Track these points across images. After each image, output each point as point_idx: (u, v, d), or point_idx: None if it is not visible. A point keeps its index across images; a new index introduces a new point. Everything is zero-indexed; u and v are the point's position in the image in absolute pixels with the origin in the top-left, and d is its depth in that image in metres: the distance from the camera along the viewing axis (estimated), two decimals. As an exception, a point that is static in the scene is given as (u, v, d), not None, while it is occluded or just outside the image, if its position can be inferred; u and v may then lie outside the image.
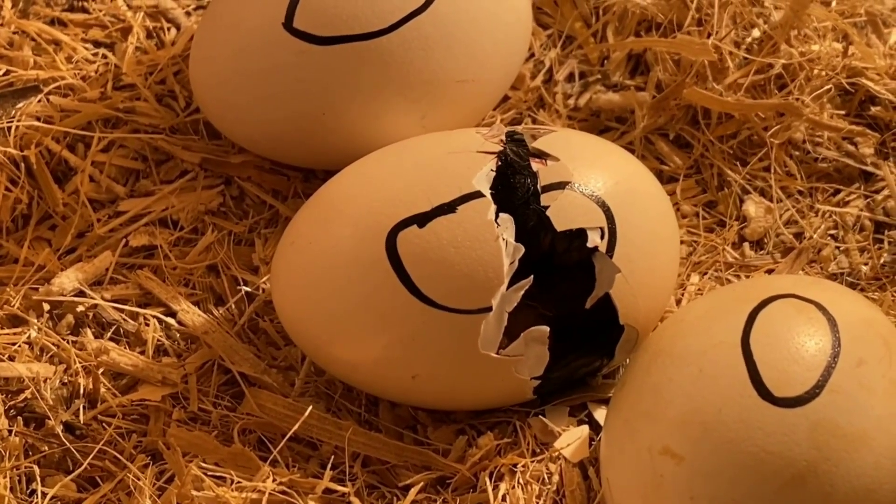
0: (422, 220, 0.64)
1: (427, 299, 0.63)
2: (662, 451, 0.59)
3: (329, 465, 0.64)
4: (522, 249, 0.63)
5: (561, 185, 0.65)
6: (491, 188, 0.64)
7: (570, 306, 0.66)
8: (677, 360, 0.61)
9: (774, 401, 0.58)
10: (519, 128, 0.67)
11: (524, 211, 0.64)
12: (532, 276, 0.63)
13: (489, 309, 0.63)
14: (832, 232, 0.73)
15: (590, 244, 0.64)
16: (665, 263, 0.67)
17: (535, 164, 0.65)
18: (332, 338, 0.65)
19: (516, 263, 0.63)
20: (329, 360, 0.66)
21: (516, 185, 0.64)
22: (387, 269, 0.63)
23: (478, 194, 0.63)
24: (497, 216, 0.63)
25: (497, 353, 0.64)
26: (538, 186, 0.64)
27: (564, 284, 0.66)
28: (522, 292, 0.63)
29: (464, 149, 0.65)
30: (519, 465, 0.64)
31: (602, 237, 0.64)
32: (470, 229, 0.63)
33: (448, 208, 0.64)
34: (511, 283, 0.63)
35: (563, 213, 0.64)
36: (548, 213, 0.64)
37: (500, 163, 0.65)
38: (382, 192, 0.65)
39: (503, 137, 0.65)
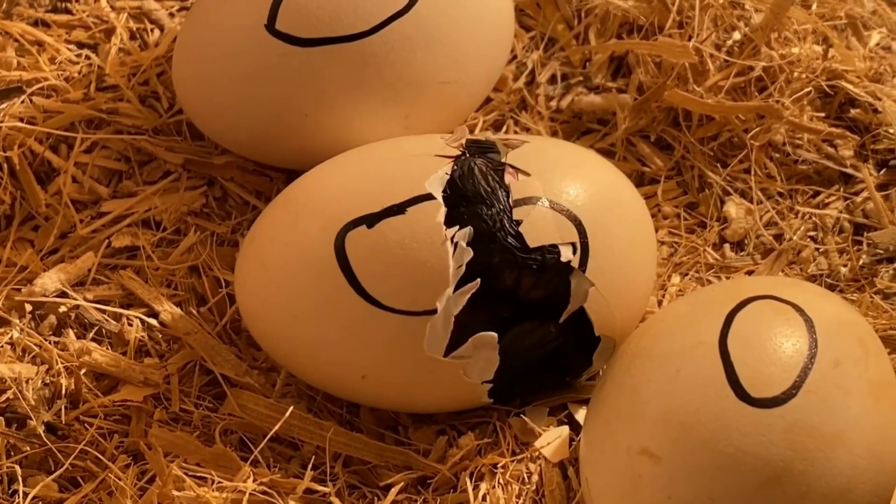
0: (371, 220, 0.64)
1: (373, 300, 0.63)
2: (641, 451, 0.59)
3: (310, 466, 0.64)
4: (471, 253, 0.63)
5: (532, 201, 0.64)
6: (457, 217, 0.64)
7: (541, 337, 0.65)
8: (656, 361, 0.61)
9: (751, 401, 0.59)
10: (494, 137, 0.67)
11: (487, 246, 0.64)
12: (479, 281, 0.63)
13: (434, 311, 0.63)
14: (812, 233, 0.73)
15: (563, 259, 0.64)
16: (641, 270, 0.67)
17: (509, 177, 0.65)
18: (287, 335, 0.66)
19: (463, 268, 0.63)
20: (286, 358, 0.66)
21: (484, 217, 0.64)
22: (335, 268, 0.64)
23: (429, 197, 0.63)
24: (446, 220, 0.63)
25: (445, 357, 0.63)
26: (510, 213, 0.64)
27: (532, 321, 0.65)
28: (469, 296, 0.63)
29: (423, 152, 0.65)
30: (499, 465, 0.65)
31: (574, 252, 0.64)
32: (418, 231, 0.63)
33: (398, 209, 0.64)
34: (458, 287, 0.63)
35: (534, 229, 0.64)
36: (519, 228, 0.64)
37: (457, 173, 0.64)
38: (338, 192, 0.65)
39: (463, 142, 0.65)
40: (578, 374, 0.67)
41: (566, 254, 0.64)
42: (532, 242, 0.64)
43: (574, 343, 0.65)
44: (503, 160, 0.65)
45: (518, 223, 0.64)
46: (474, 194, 0.64)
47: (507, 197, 0.64)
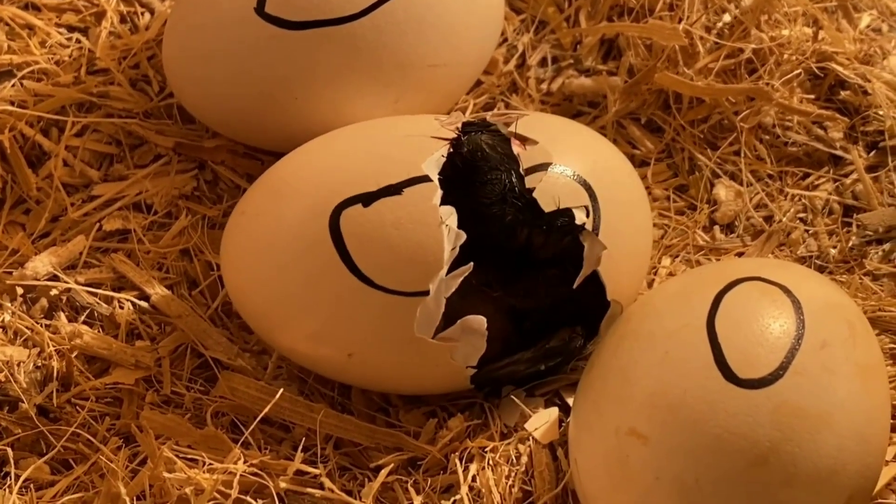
0: (367, 199, 0.64)
1: (365, 278, 0.63)
2: (629, 432, 0.60)
3: (301, 447, 0.64)
4: (464, 236, 0.63)
5: (543, 167, 0.65)
6: (459, 183, 0.64)
7: (552, 296, 0.66)
8: (644, 343, 0.61)
9: (738, 382, 0.59)
10: (489, 115, 0.67)
11: (500, 206, 0.64)
12: (473, 264, 0.63)
13: (426, 293, 0.63)
14: (801, 215, 0.73)
15: (577, 222, 0.64)
16: (643, 239, 0.68)
17: (517, 147, 0.65)
18: (272, 309, 0.66)
19: (457, 250, 0.63)
20: (269, 332, 0.66)
21: (493, 181, 0.64)
22: (328, 245, 0.64)
23: (425, 178, 0.64)
24: (442, 202, 0.63)
25: (433, 338, 0.64)
26: (521, 171, 0.64)
27: (543, 276, 0.66)
28: (461, 279, 0.63)
29: (418, 133, 0.66)
30: (488, 447, 0.65)
31: (588, 216, 0.65)
32: (414, 212, 0.63)
33: (394, 190, 0.64)
34: (451, 269, 0.63)
35: (547, 194, 0.64)
36: (533, 195, 0.64)
37: (457, 151, 0.64)
38: (332, 169, 0.66)
39: (459, 125, 0.66)
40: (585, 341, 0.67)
41: (580, 217, 0.64)
42: (546, 207, 0.64)
43: (585, 307, 0.65)
44: (511, 129, 0.65)
45: (531, 190, 0.64)
46: (487, 165, 0.64)
47: (518, 165, 0.64)
